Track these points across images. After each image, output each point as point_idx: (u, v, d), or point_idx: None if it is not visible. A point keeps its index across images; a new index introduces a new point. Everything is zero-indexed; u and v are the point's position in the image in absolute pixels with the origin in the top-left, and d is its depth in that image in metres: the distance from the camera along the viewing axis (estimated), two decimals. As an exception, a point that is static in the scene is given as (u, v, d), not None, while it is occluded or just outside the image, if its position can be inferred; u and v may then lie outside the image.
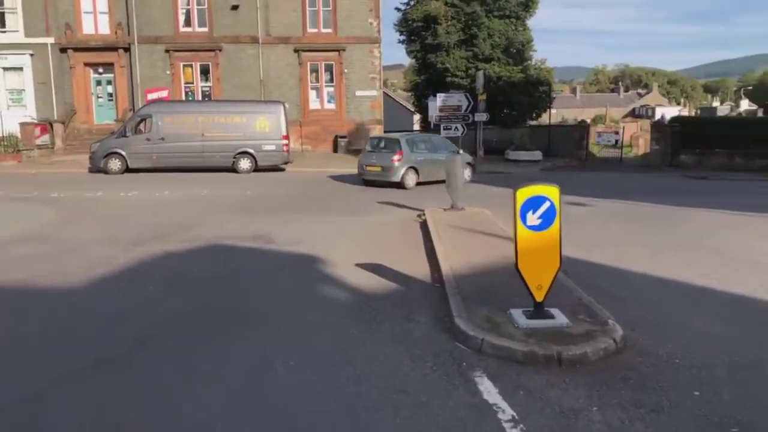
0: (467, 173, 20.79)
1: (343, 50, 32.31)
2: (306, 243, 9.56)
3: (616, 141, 32.40)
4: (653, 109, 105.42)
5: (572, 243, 8.63)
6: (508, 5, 35.21)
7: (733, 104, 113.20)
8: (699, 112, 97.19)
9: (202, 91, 31.90)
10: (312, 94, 32.90)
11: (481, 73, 29.28)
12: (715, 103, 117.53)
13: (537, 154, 30.18)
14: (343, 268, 7.90)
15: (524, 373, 4.65)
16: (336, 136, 32.32)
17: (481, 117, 29.27)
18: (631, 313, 6.10)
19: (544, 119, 38.05)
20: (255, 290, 7.07)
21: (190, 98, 31.33)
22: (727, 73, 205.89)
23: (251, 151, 23.55)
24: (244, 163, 23.53)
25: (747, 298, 6.63)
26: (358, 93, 32.60)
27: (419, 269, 7.91)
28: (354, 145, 32.45)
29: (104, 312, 6.34)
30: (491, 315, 5.63)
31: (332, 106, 32.91)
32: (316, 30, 32.50)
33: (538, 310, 5.38)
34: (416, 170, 18.96)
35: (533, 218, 5.32)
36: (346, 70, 32.43)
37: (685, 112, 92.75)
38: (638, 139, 43.86)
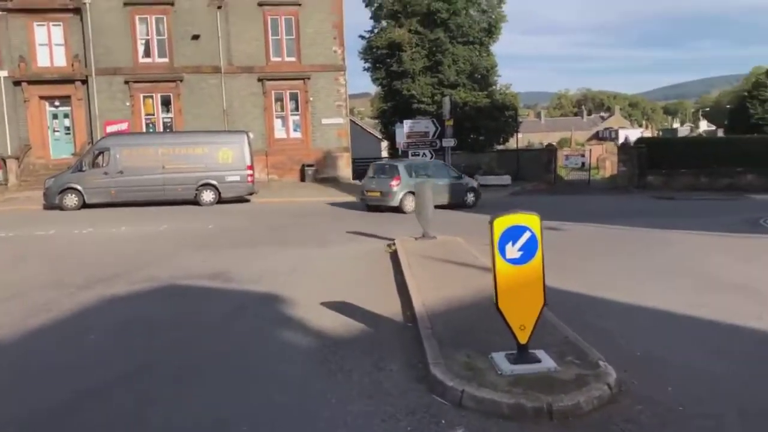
0: (470, 198, 21.63)
1: (308, 78, 31.93)
2: (268, 280, 8.90)
3: (583, 164, 32.47)
4: (616, 132, 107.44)
5: (548, 270, 8.16)
6: (471, 32, 35.38)
7: (692, 125, 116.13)
8: (661, 133, 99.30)
9: (164, 123, 31.11)
10: (277, 123, 32.36)
11: (447, 99, 29.13)
12: (676, 125, 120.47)
13: (506, 179, 30.01)
14: (306, 308, 7.27)
15: (511, 429, 4.07)
16: (303, 165, 31.74)
17: (449, 142, 29.04)
18: (622, 350, 5.59)
19: (512, 144, 38.11)
20: (209, 338, 6.39)
21: (151, 130, 30.50)
22: (684, 95, 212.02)
23: (214, 182, 22.80)
24: (207, 195, 22.76)
25: (743, 329, 6.19)
26: (324, 121, 32.18)
27: (390, 306, 7.32)
28: (321, 174, 31.90)
29: (33, 369, 5.59)
30: (471, 360, 5.06)
31: (298, 134, 32.40)
32: (279, 59, 32.09)
33: (523, 354, 4.84)
34: (415, 195, 18.66)
35: (513, 250, 4.80)
36: (311, 99, 32.02)
37: (647, 134, 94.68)
38: (605, 161, 44.22)
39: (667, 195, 27.02)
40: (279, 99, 32.22)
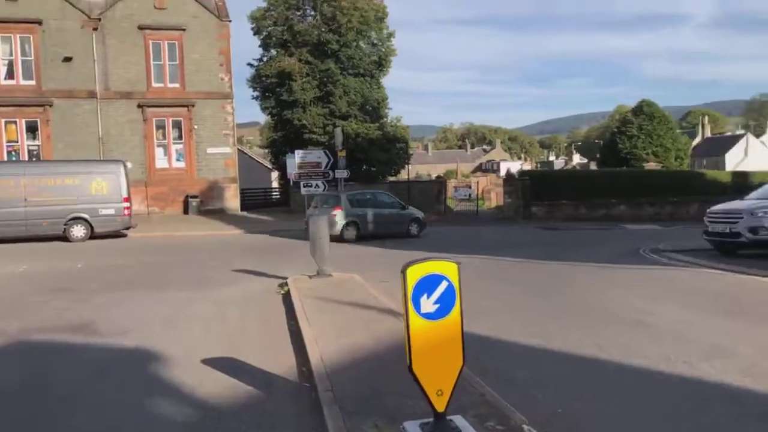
0: (414, 228, 22.31)
1: (193, 106, 30.47)
2: (141, 332, 7.76)
3: (470, 195, 33.13)
4: (498, 164, 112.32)
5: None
6: (362, 63, 35.42)
7: (566, 158, 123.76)
8: (539, 166, 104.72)
9: (29, 151, 28.38)
10: (159, 151, 30.53)
11: (339, 130, 28.67)
12: (552, 157, 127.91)
13: (398, 210, 29.85)
14: (184, 367, 6.27)
15: None
16: (187, 196, 30.04)
17: (342, 174, 28.51)
18: (541, 407, 5.12)
19: (403, 175, 38.32)
20: (59, 415, 5.24)
21: (14, 158, 27.67)
22: (557, 130, 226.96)
23: (86, 216, 20.80)
24: (78, 230, 20.69)
25: (654, 373, 5.95)
26: (210, 150, 30.74)
27: (283, 361, 6.48)
28: (207, 205, 30.32)
29: None
30: (380, 431, 4.36)
31: (182, 164, 30.69)
32: (162, 84, 30.44)
33: (440, 423, 4.20)
34: (357, 224, 20.54)
35: (428, 304, 4.19)
36: (196, 127, 30.52)
37: (527, 166, 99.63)
38: (490, 192, 45.61)
39: (551, 225, 28.00)
40: (161, 126, 30.46)
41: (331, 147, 30.78)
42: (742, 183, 33.89)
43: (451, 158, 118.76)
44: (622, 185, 32.32)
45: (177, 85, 30.66)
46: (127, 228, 22.05)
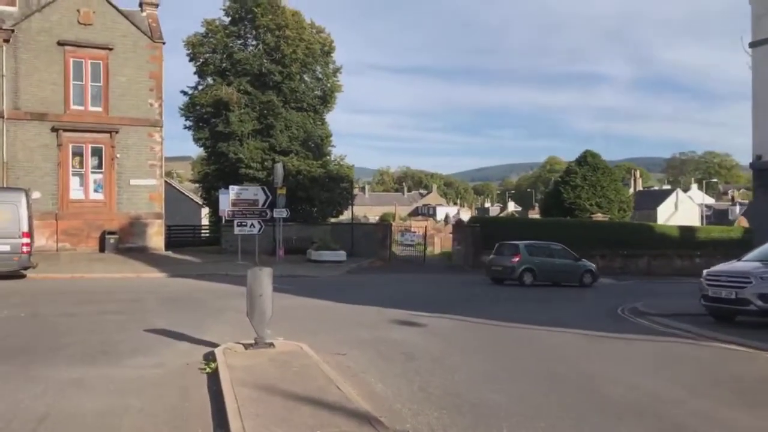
0: (587, 279, 23.93)
1: (116, 132, 27.49)
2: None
3: (416, 241, 31.25)
4: (434, 208, 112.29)
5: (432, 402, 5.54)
6: (305, 98, 33.43)
7: (501, 206, 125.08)
8: (477, 212, 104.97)
9: None
10: (74, 181, 27.26)
11: (279, 166, 26.40)
12: (487, 204, 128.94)
13: (341, 254, 27.58)
14: None
15: None
16: (104, 232, 26.79)
17: (281, 213, 26.13)
18: None
19: (345, 216, 36.10)
20: None
21: None
22: (488, 178, 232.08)
23: (-28, 252, 17.46)
24: (-39, 270, 17.30)
25: None
26: (134, 182, 27.69)
27: None
28: (127, 243, 27.07)
29: None
30: None
31: (100, 196, 27.47)
32: (82, 107, 27.42)
33: None
34: (533, 271, 22.77)
35: None
36: (119, 155, 27.49)
37: (465, 212, 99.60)
38: (433, 237, 43.97)
39: (504, 276, 26.31)
40: (78, 153, 27.29)
41: (269, 183, 28.40)
42: (690, 237, 33.66)
43: (388, 201, 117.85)
44: (573, 236, 31.18)
45: (99, 109, 27.63)
46: (26, 268, 18.77)
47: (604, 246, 31.20)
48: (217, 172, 33.13)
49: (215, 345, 9.19)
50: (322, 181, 31.72)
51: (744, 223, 56.26)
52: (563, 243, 31.17)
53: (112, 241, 26.56)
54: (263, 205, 26.19)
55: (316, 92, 34.26)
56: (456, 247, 29.15)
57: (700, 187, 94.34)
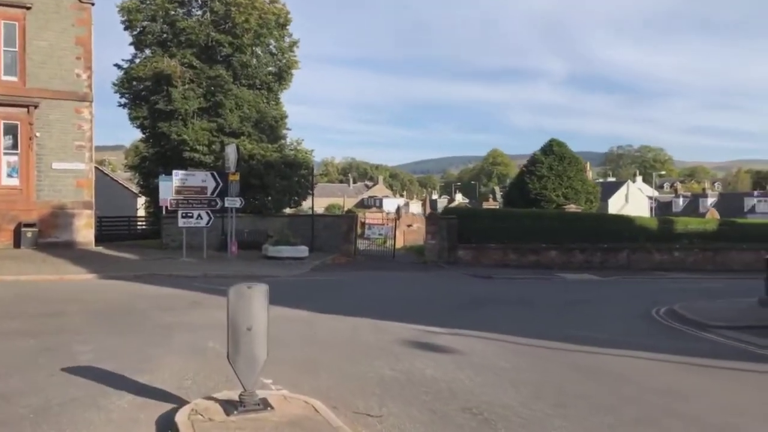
0: None
1: (35, 107, 23.28)
2: None
3: (386, 234, 28.28)
4: (381, 200, 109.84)
5: None
6: (258, 74, 29.82)
7: (448, 197, 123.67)
8: (430, 204, 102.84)
9: None
10: (-18, 164, 22.89)
11: (233, 147, 22.85)
12: (435, 196, 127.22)
13: (303, 250, 24.28)
14: None
15: None
16: (20, 224, 22.64)
17: (234, 203, 22.60)
18: None
19: (304, 207, 32.75)
20: None
21: None
22: (429, 170, 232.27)
23: None
24: None
25: None
26: (57, 166, 23.56)
27: None
28: (48, 237, 22.98)
29: None
30: None
31: (15, 181, 23.20)
32: (-8, 75, 23.06)
33: None
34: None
35: None
36: (38, 134, 23.30)
37: (414, 204, 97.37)
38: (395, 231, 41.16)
39: (483, 273, 23.76)
40: (-13, 130, 22.92)
41: (218, 169, 24.80)
42: (668, 230, 31.97)
43: (333, 192, 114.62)
44: (552, 228, 28.97)
45: (14, 79, 23.29)
46: None
47: (582, 239, 29.11)
48: (156, 155, 29.13)
49: (172, 398, 5.98)
50: (278, 167, 28.26)
51: (715, 215, 55.99)
52: (542, 236, 29.01)
53: (29, 234, 22.40)
54: (213, 193, 22.63)
55: (269, 68, 30.69)
56: (429, 241, 26.35)
57: (644, 180, 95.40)
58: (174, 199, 22.27)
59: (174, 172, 22.57)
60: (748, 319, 11.76)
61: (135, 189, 41.68)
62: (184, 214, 22.18)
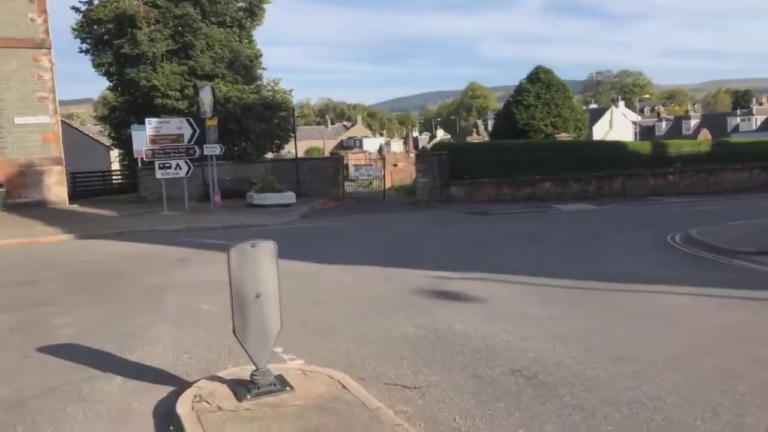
0: None
1: (-11, 56, 21.45)
2: None
3: (376, 174, 27.18)
4: (360, 140, 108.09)
5: None
6: (228, 10, 27.84)
7: (430, 134, 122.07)
8: (413, 141, 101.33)
9: None
10: (-63, 122, 21.24)
11: (208, 90, 21.35)
12: (415, 133, 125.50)
13: (290, 196, 23.20)
14: None
15: None
16: (-15, 185, 21.19)
17: (214, 149, 21.29)
18: None
19: (286, 151, 31.42)
20: None
21: None
22: (406, 108, 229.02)
23: None
24: None
25: None
26: (20, 120, 21.98)
27: None
28: (18, 197, 21.65)
29: None
30: None
31: (-25, 140, 21.63)
32: (-64, 24, 21.12)
33: None
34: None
35: None
36: (-5, 87, 21.56)
37: (396, 142, 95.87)
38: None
39: (478, 209, 22.95)
40: (-62, 85, 21.18)
41: (193, 115, 23.34)
42: (661, 154, 31.24)
43: (312, 134, 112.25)
44: (545, 159, 28.08)
45: (-38, 27, 21.39)
46: None
47: (577, 168, 28.31)
48: (126, 104, 27.39)
49: (170, 379, 5.07)
50: (257, 109, 26.75)
51: (707, 135, 55.41)
52: (535, 167, 28.16)
53: (-3, 195, 21.07)
54: (190, 140, 21.29)
55: (240, 3, 28.69)
56: (421, 179, 25.33)
57: (627, 105, 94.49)
58: (149, 150, 20.94)
59: (147, 120, 21.13)
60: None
61: (107, 142, 39.82)
62: (161, 165, 20.90)
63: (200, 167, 23.40)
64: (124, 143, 28.81)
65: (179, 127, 21.31)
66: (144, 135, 21.13)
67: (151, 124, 20.98)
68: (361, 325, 6.80)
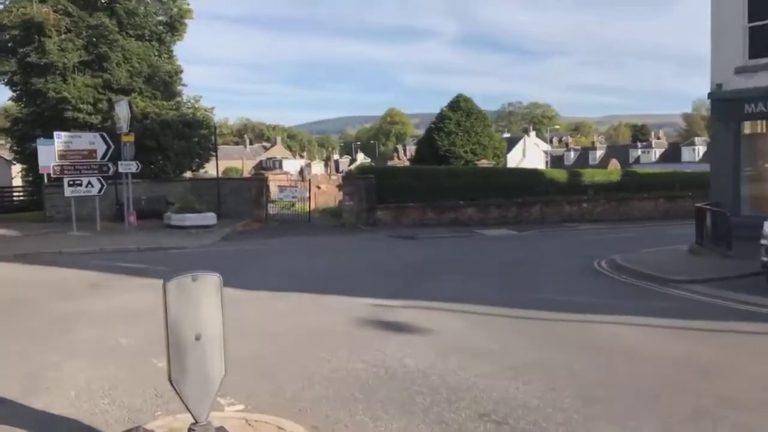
0: None
1: None
2: None
3: (299, 197, 26.55)
4: (280, 161, 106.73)
5: None
6: (147, 23, 26.66)
7: (350, 157, 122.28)
8: (334, 164, 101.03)
9: None
10: None
11: (124, 104, 20.19)
12: (335, 156, 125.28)
13: (210, 217, 22.19)
14: None
15: None
16: None
17: (129, 167, 20.08)
18: None
19: (208, 171, 30.21)
20: None
21: None
22: (326, 131, 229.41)
23: None
24: None
25: None
26: None
27: None
28: None
29: None
30: None
31: None
32: None
33: None
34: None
35: None
36: None
37: (316, 164, 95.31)
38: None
39: (405, 233, 22.83)
40: None
41: (107, 130, 21.99)
42: (576, 182, 32.42)
43: (229, 154, 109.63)
44: (468, 184, 28.44)
45: None
46: None
47: (497, 194, 28.82)
48: (32, 116, 25.46)
49: (88, 434, 4.34)
50: (176, 126, 25.56)
51: (617, 165, 58.20)
52: (458, 192, 28.46)
53: None
54: (104, 157, 20.00)
55: (160, 17, 27.55)
56: (347, 202, 24.93)
57: (538, 135, 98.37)
58: (58, 165, 19.47)
59: (56, 134, 19.69)
60: (703, 272, 11.39)
61: (8, 156, 36.96)
62: (71, 182, 19.48)
63: (114, 185, 22.01)
64: (28, 158, 26.75)
65: (92, 142, 19.99)
66: (52, 150, 19.69)
67: (60, 138, 19.55)
68: (302, 361, 6.25)
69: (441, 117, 43.21)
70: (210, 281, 3.99)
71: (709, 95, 15.94)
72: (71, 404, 5.11)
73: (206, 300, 3.94)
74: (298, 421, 4.47)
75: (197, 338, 3.90)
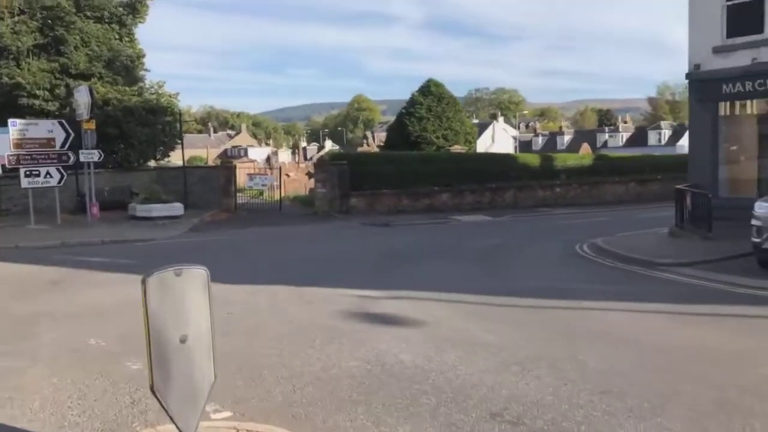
0: None
1: None
2: None
3: (270, 184, 25.85)
4: (245, 149, 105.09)
5: None
6: (106, 4, 25.47)
7: (317, 144, 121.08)
8: (302, 151, 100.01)
9: None
10: None
11: (84, 90, 19.24)
12: (303, 143, 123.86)
13: (177, 207, 21.39)
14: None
15: None
16: None
17: (91, 156, 19.17)
18: None
19: (173, 159, 29.26)
20: None
21: None
22: (292, 118, 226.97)
23: None
24: None
25: None
26: None
27: None
28: None
29: None
30: None
31: None
32: None
33: None
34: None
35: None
36: None
37: (283, 152, 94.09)
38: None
39: (380, 221, 22.45)
40: None
41: (66, 117, 20.97)
42: (548, 166, 32.36)
43: (193, 143, 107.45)
44: (442, 170, 28.12)
45: None
46: None
47: (471, 180, 28.57)
48: (-15, 103, 24.22)
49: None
50: (139, 113, 24.55)
51: (588, 149, 58.61)
52: (432, 178, 28.11)
53: None
54: (63, 145, 19.04)
55: (120, -2, 26.37)
56: (319, 189, 24.34)
57: (506, 121, 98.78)
58: (13, 155, 18.45)
59: (10, 121, 18.62)
60: (688, 254, 11.26)
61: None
62: (28, 173, 18.49)
63: (74, 175, 21.03)
64: (-19, 147, 25.43)
65: (50, 130, 19.00)
66: (7, 138, 18.59)
67: (15, 125, 18.51)
68: (290, 360, 5.79)
69: (412, 102, 42.71)
70: (196, 276, 3.50)
71: (687, 76, 15.83)
72: (35, 417, 4.57)
73: (192, 297, 3.46)
74: (294, 429, 4.03)
75: (182, 341, 3.42)
